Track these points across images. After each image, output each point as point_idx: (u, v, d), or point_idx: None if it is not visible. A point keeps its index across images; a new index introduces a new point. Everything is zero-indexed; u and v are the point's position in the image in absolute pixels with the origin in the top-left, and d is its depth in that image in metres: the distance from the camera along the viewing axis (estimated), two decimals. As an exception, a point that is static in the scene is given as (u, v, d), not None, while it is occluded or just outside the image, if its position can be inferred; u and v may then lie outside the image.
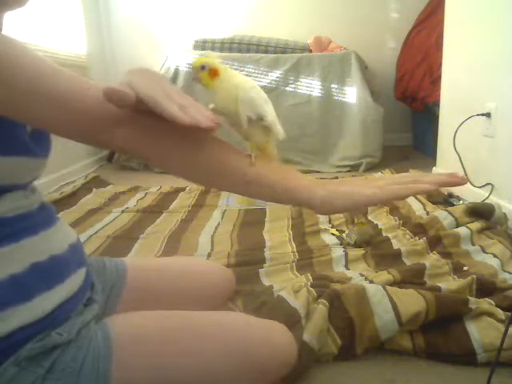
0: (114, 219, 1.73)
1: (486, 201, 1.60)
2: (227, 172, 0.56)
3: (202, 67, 0.60)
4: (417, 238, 1.36)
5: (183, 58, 2.69)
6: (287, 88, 2.69)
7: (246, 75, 2.67)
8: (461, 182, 0.53)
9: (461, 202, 1.68)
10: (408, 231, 1.42)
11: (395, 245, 1.35)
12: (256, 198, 0.59)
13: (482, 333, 0.85)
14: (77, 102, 0.49)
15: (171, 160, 0.55)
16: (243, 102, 0.59)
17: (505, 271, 1.15)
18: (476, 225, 1.36)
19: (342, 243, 1.39)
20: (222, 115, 0.62)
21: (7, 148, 0.52)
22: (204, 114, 0.47)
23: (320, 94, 2.68)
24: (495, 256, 1.20)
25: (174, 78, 2.66)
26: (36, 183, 0.64)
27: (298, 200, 0.56)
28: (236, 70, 2.65)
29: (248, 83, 0.61)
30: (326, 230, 1.52)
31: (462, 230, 1.33)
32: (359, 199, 0.53)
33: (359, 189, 0.53)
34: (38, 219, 0.58)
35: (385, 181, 0.54)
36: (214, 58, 0.60)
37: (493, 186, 1.64)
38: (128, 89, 0.47)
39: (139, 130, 0.52)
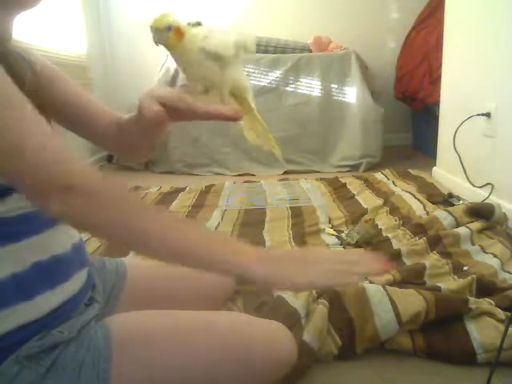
0: (113, 219, 1.73)
1: (486, 201, 1.60)
2: None
3: (168, 28, 0.56)
4: (417, 238, 1.35)
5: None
6: (287, 88, 2.69)
7: (247, 75, 2.67)
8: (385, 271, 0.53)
9: (461, 201, 1.67)
10: (408, 231, 1.42)
11: (395, 245, 1.35)
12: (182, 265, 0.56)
13: (482, 333, 0.85)
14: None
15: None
16: (217, 46, 0.60)
17: (505, 271, 1.14)
18: (476, 225, 1.36)
19: (342, 243, 1.39)
20: (191, 81, 0.62)
21: None
22: (227, 108, 0.59)
23: (320, 94, 2.68)
24: (495, 256, 1.20)
25: (174, 77, 2.66)
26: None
27: (233, 273, 0.54)
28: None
29: (207, 30, 0.61)
30: (323, 230, 1.52)
31: (462, 230, 1.33)
32: (297, 286, 0.53)
33: (300, 272, 0.52)
34: (41, 219, 0.58)
35: (329, 263, 0.53)
36: (174, 17, 0.57)
37: (493, 186, 1.64)
38: (156, 103, 0.57)
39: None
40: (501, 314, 0.89)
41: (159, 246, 0.50)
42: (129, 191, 0.56)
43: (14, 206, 0.54)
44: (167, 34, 0.57)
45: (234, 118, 0.59)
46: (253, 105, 0.67)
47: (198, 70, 0.62)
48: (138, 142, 0.71)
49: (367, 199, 1.88)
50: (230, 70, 0.62)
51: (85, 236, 1.49)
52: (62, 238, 0.61)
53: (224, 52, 0.60)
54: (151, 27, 0.57)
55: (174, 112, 0.59)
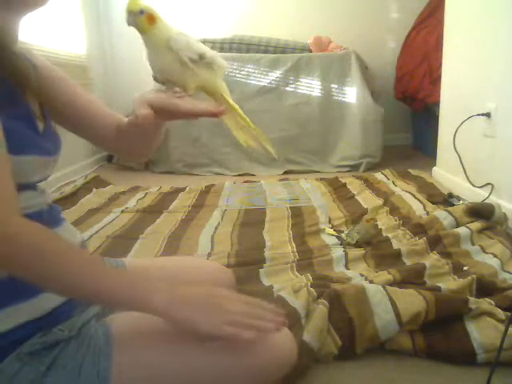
0: (113, 219, 1.73)
1: (486, 201, 1.60)
2: None
3: (141, 12, 0.60)
4: (417, 238, 1.35)
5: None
6: (287, 88, 2.69)
7: (246, 75, 2.67)
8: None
9: (461, 201, 1.67)
10: (408, 231, 1.42)
11: (395, 245, 1.35)
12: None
13: (482, 333, 0.85)
14: None
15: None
16: (181, 48, 0.62)
17: (505, 271, 1.14)
18: (476, 225, 1.36)
19: (342, 243, 1.39)
20: (152, 67, 0.65)
21: (17, 147, 0.53)
22: (211, 104, 0.63)
23: (320, 94, 2.68)
24: (495, 256, 1.20)
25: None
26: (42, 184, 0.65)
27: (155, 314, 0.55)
28: (236, 70, 2.66)
29: (178, 32, 0.64)
30: (323, 230, 1.52)
31: (462, 230, 1.33)
32: (201, 332, 0.54)
33: (206, 319, 0.54)
34: (45, 220, 0.59)
35: (239, 315, 0.55)
36: (148, 4, 0.61)
37: (493, 186, 1.64)
38: (146, 107, 0.60)
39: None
40: (501, 314, 0.89)
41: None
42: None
43: (20, 206, 0.54)
44: (140, 18, 0.61)
45: (218, 113, 0.62)
46: (231, 101, 0.69)
47: (161, 60, 0.64)
48: (137, 143, 0.72)
49: (367, 199, 1.88)
50: (194, 69, 0.64)
51: (85, 236, 1.50)
52: (65, 239, 0.61)
53: (184, 54, 0.63)
54: (126, 9, 0.61)
55: (164, 113, 0.63)
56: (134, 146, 0.74)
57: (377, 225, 1.53)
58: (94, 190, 2.20)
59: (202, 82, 0.66)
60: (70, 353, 0.53)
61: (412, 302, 0.88)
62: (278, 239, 1.46)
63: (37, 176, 0.59)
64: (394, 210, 1.67)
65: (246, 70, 2.68)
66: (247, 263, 1.24)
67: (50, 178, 0.65)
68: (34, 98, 0.62)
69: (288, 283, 1.06)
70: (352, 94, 2.65)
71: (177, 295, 0.56)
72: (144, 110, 0.60)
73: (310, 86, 2.68)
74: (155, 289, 0.55)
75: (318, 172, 2.62)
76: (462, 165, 1.85)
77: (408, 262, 1.23)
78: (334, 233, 1.48)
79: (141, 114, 0.60)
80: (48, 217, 0.60)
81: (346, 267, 1.23)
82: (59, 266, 0.50)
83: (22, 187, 0.56)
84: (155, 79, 0.67)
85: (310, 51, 2.88)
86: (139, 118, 0.60)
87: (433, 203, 1.70)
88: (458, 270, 1.15)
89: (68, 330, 0.55)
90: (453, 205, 1.63)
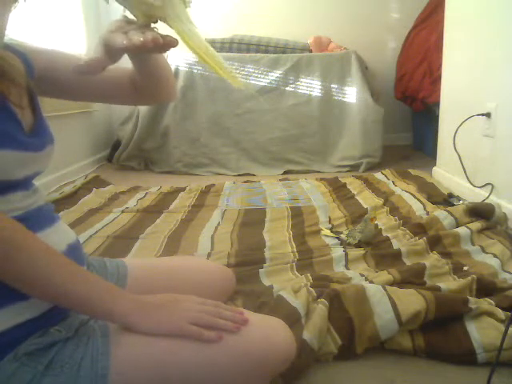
0: (113, 219, 1.73)
1: (486, 201, 1.60)
2: None
3: None
4: (417, 238, 1.35)
5: (183, 58, 2.69)
6: (287, 88, 2.69)
7: (246, 75, 2.67)
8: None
9: (461, 201, 1.67)
10: (408, 231, 1.42)
11: (395, 245, 1.35)
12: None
13: (482, 333, 0.84)
14: None
15: None
16: None
17: (505, 271, 1.14)
18: (476, 225, 1.36)
19: (342, 243, 1.39)
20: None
21: None
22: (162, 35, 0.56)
23: (320, 94, 2.68)
24: (495, 256, 1.20)
25: (174, 77, 2.66)
26: (37, 183, 0.64)
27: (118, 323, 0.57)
28: (236, 70, 2.65)
29: None
30: (321, 231, 1.51)
31: (462, 230, 1.33)
32: (164, 331, 0.57)
33: (168, 318, 0.57)
34: (35, 221, 0.59)
35: (200, 313, 0.58)
36: None
37: (493, 186, 1.64)
38: (100, 50, 0.57)
39: None
40: (501, 314, 0.89)
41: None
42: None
43: (6, 208, 0.54)
44: None
45: (164, 44, 0.57)
46: (190, 30, 0.63)
47: None
48: (149, 78, 0.73)
49: (367, 199, 1.88)
50: None
51: (84, 237, 1.50)
52: (57, 239, 0.61)
53: None
54: None
55: (113, 50, 0.58)
56: (149, 84, 0.74)
57: (377, 225, 1.53)
58: (94, 189, 2.20)
59: (150, 10, 0.57)
60: (68, 352, 0.53)
61: (412, 301, 0.88)
62: (277, 239, 1.46)
63: (19, 172, 0.57)
64: (393, 210, 1.67)
65: (246, 70, 2.68)
66: (247, 263, 1.24)
67: (41, 173, 0.64)
68: (20, 91, 0.60)
69: (288, 283, 1.06)
70: (352, 93, 2.65)
71: (139, 302, 0.58)
72: (97, 53, 0.57)
73: (310, 86, 2.68)
74: (118, 296, 0.56)
75: (318, 172, 2.62)
76: (462, 165, 1.85)
77: (408, 261, 1.23)
78: (331, 234, 1.48)
79: (85, 61, 0.57)
80: (37, 218, 0.60)
81: (346, 267, 1.23)
82: (26, 263, 0.50)
83: (5, 185, 0.55)
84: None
85: (310, 51, 2.88)
86: (84, 64, 0.57)
87: (433, 203, 1.70)
88: (458, 269, 1.15)
89: (65, 331, 0.55)
90: (453, 205, 1.63)
